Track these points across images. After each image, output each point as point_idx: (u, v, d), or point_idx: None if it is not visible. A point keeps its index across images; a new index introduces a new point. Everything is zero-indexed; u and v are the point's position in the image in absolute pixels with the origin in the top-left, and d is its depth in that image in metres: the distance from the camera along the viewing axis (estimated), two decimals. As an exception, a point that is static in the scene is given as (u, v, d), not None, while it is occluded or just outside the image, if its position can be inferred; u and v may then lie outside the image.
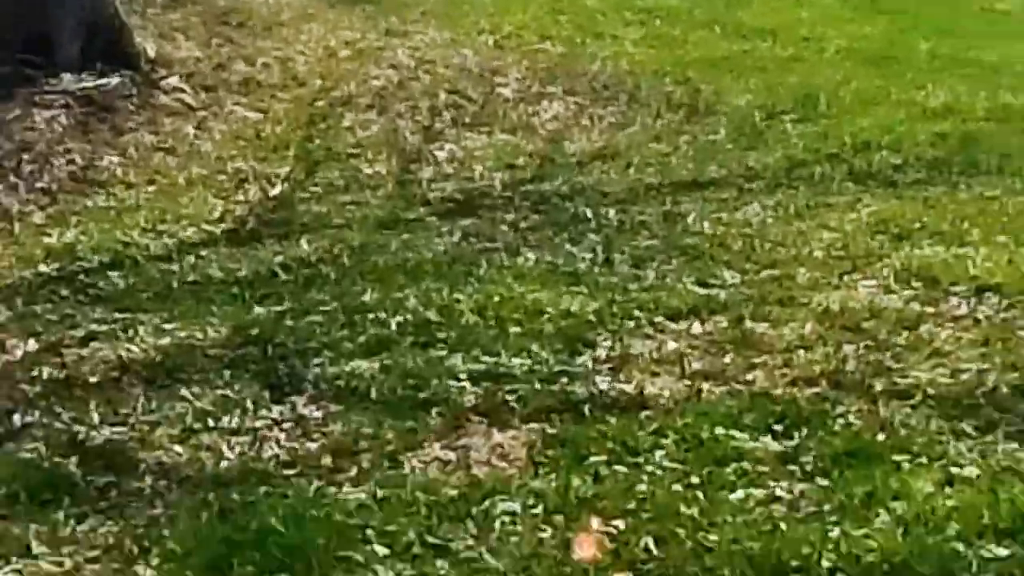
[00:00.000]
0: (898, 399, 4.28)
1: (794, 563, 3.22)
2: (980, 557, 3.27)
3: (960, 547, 3.27)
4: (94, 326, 5.54)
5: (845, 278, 5.72)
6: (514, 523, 3.52)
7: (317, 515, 3.57)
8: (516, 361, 4.75)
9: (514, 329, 5.13)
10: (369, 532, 3.47)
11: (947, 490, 3.68)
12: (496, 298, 5.46)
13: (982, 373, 4.59)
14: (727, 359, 4.82)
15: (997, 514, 3.44)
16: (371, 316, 5.40)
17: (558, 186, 7.55)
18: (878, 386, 4.37)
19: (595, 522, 3.55)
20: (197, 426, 4.39)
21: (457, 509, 3.65)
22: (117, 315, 5.65)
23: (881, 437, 3.96)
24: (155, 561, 3.41)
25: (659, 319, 5.23)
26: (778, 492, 3.68)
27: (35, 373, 5.04)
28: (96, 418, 4.44)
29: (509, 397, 4.41)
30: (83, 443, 4.24)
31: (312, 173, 7.88)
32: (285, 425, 4.33)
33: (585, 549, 3.43)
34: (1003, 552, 3.26)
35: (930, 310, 5.31)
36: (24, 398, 4.79)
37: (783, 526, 3.42)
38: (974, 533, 3.38)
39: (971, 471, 3.75)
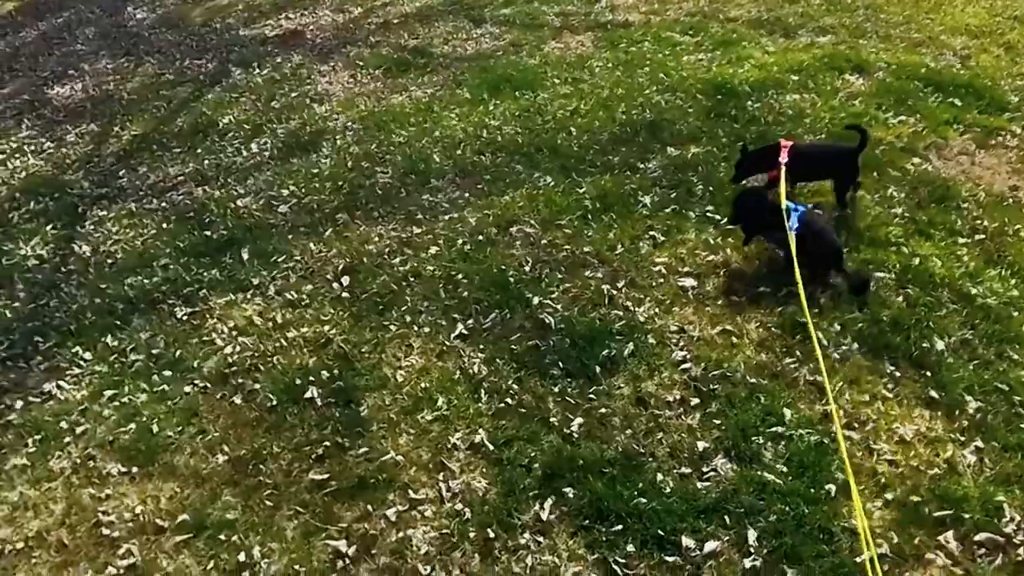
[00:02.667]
0: (732, 22, 6.87)
1: (723, 83, 5.73)
2: (789, 79, 5.69)
3: (781, 76, 5.79)
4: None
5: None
6: (599, 65, 6.14)
7: (525, 67, 6.16)
8: (571, 8, 7.43)
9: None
10: (549, 73, 6.00)
11: (767, 57, 6.18)
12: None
13: (770, 11, 7.09)
14: (655, 6, 7.42)
15: (791, 65, 5.93)
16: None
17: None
18: (721, 16, 7.00)
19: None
20: (450, 39, 6.86)
21: (577, 64, 6.21)
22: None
23: (735, 36, 6.54)
24: (462, 92, 5.96)
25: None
26: (699, 57, 6.25)
27: (371, 19, 7.43)
28: (406, 37, 6.96)
29: (573, 22, 7.05)
30: (405, 47, 6.66)
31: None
32: (485, 36, 6.89)
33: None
34: (795, 77, 5.75)
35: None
36: (372, 31, 7.05)
37: (714, 68, 5.97)
38: (785, 71, 5.85)
39: (772, 48, 6.31)
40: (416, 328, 3.89)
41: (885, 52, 6.20)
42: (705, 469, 3.10)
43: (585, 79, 6.10)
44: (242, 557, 2.98)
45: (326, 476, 3.23)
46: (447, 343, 3.78)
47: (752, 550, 2.81)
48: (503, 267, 4.19)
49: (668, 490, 3.02)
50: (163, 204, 5.21)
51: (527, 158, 5.14)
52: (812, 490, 2.97)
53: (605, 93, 5.85)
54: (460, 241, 4.44)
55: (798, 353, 3.59)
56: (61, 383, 3.90)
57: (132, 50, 7.29)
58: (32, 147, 6.10)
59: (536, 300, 3.95)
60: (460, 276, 4.17)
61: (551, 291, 4.01)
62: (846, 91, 5.72)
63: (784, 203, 3.79)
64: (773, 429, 3.23)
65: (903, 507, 2.94)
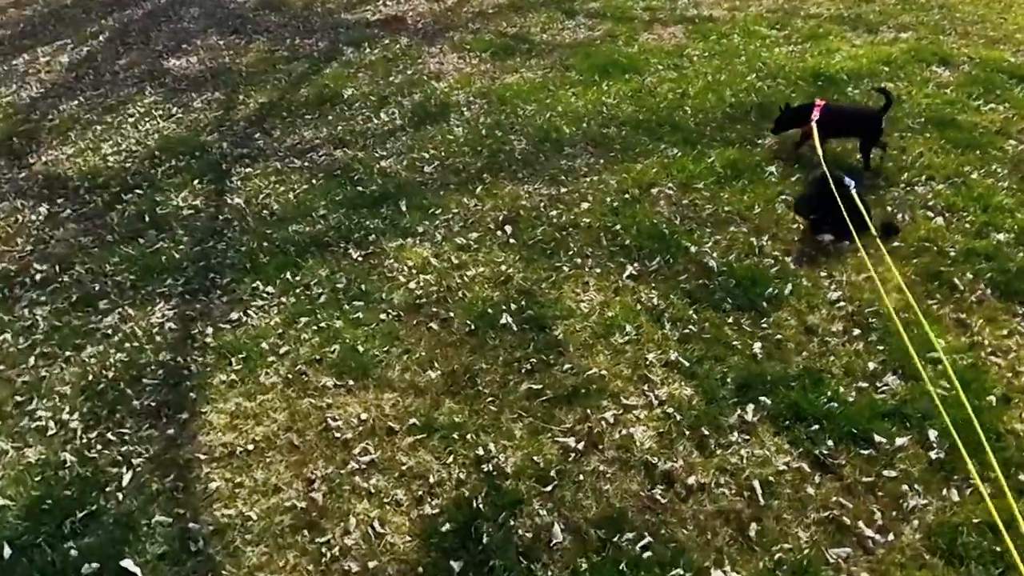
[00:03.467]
0: (815, 18, 7.42)
1: (821, 71, 6.31)
2: (881, 70, 6.21)
3: (873, 67, 6.30)
4: None
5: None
6: (696, 54, 6.69)
7: (627, 54, 6.69)
8: (656, 3, 8.01)
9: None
10: (651, 60, 6.55)
11: (853, 49, 6.72)
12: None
13: (849, 11, 7.61)
14: (737, 2, 7.98)
15: (879, 57, 6.53)
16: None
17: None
18: (802, 13, 7.54)
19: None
20: (547, 28, 7.34)
21: (675, 53, 6.73)
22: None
23: (821, 31, 7.09)
24: (572, 74, 6.52)
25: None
26: (790, 49, 6.79)
27: (467, 8, 7.83)
28: (504, 25, 7.39)
29: (661, 15, 7.62)
30: (505, 34, 7.14)
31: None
32: (579, 27, 7.38)
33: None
34: (886, 68, 6.39)
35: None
36: (470, 18, 7.62)
37: (809, 58, 6.52)
38: (875, 62, 6.39)
39: (859, 42, 6.89)
40: (587, 269, 4.37)
41: (965, 47, 6.80)
42: (879, 384, 3.61)
43: (686, 66, 6.64)
44: (480, 452, 3.41)
45: (540, 386, 3.68)
46: (620, 282, 4.26)
47: (935, 445, 3.32)
48: (655, 221, 4.69)
49: (851, 399, 3.52)
50: (306, 163, 5.65)
51: (650, 132, 5.66)
52: (977, 401, 3.48)
53: (709, 78, 6.39)
54: (608, 199, 4.93)
55: (938, 296, 4.11)
56: (248, 312, 4.30)
57: (240, 29, 7.74)
58: (160, 111, 6.52)
59: (693, 248, 4.45)
60: (617, 227, 4.66)
61: (704, 241, 4.52)
62: (935, 81, 6.31)
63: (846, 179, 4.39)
64: (930, 354, 3.74)
65: (1059, 416, 3.45)
